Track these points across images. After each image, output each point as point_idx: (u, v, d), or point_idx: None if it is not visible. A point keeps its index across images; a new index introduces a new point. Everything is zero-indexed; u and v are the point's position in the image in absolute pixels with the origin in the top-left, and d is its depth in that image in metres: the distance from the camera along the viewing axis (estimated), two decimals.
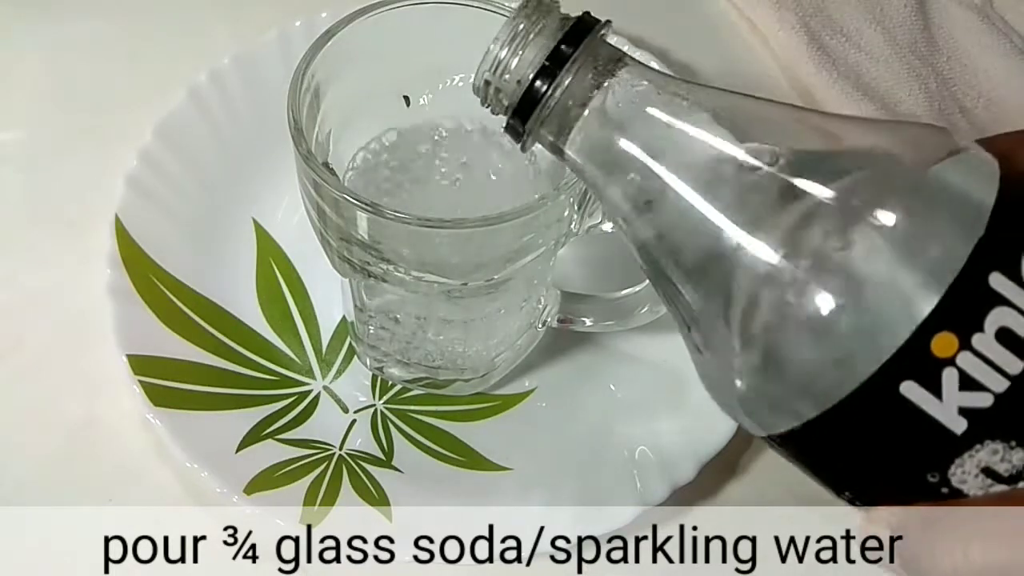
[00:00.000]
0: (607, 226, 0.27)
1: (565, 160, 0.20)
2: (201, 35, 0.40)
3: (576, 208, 0.26)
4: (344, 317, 0.33)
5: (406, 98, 0.29)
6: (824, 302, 0.17)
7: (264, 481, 0.28)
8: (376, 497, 0.29)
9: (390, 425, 0.31)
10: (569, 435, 0.31)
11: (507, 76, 0.20)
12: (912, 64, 0.42)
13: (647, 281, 0.29)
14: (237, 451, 0.29)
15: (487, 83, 0.20)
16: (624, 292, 0.30)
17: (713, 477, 0.31)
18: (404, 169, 0.28)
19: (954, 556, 0.17)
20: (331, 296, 0.32)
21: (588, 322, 0.31)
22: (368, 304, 0.29)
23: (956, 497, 0.17)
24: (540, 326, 0.32)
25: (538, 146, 0.21)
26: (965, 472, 0.17)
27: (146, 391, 0.28)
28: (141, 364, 0.29)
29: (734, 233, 0.18)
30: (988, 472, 0.17)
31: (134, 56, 0.40)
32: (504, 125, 0.20)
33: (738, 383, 0.19)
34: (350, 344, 0.32)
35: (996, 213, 0.17)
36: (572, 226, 0.26)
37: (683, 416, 0.31)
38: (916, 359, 0.16)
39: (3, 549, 0.29)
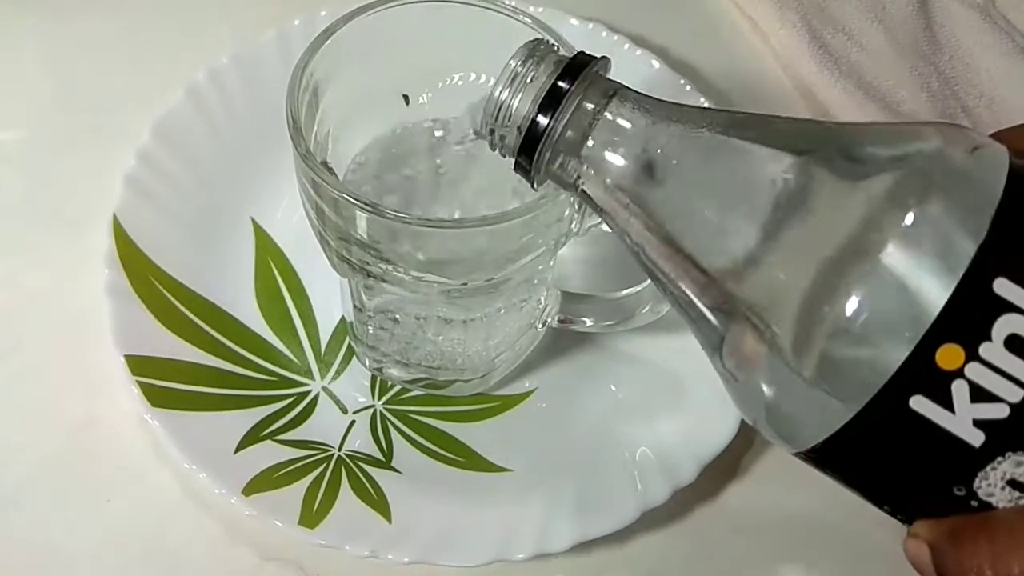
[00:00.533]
0: (607, 226, 0.27)
1: (577, 193, 0.21)
2: (200, 34, 0.40)
3: (576, 208, 0.26)
4: (343, 317, 0.33)
5: (405, 97, 0.29)
6: (835, 314, 0.16)
7: (263, 482, 0.28)
8: (375, 498, 0.28)
9: (389, 426, 0.31)
10: (569, 436, 0.31)
11: (509, 120, 0.20)
12: (914, 63, 0.41)
13: (647, 281, 0.29)
14: (236, 452, 0.28)
15: (492, 129, 0.21)
16: (624, 292, 0.30)
17: (714, 478, 0.31)
18: (402, 166, 0.28)
19: (983, 572, 0.16)
20: (330, 296, 0.32)
21: (588, 322, 0.31)
22: (367, 304, 0.29)
23: (986, 510, 0.17)
24: (540, 326, 0.32)
25: None
26: (991, 485, 0.16)
27: (144, 391, 0.28)
28: (139, 364, 0.29)
29: (749, 248, 0.18)
30: (1015, 484, 0.16)
31: (134, 56, 0.40)
32: (513, 165, 0.21)
33: (766, 400, 0.19)
34: (349, 344, 0.32)
35: (999, 215, 0.16)
36: (572, 226, 0.26)
37: (684, 417, 0.31)
38: (922, 373, 0.16)
39: (3, 549, 0.29)
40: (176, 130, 0.34)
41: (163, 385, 0.29)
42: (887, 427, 0.16)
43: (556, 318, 0.31)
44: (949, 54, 0.43)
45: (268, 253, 0.34)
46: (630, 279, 0.30)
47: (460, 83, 0.28)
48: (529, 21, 0.25)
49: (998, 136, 0.18)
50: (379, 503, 0.28)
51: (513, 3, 0.26)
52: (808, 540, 0.31)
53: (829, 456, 0.18)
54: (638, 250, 0.20)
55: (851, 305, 0.16)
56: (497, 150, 0.21)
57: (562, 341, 0.33)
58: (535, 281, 0.29)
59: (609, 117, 0.19)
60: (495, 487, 0.30)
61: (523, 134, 0.20)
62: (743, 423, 0.30)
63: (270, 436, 0.29)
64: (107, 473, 0.30)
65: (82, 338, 0.31)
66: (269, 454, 0.29)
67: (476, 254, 0.25)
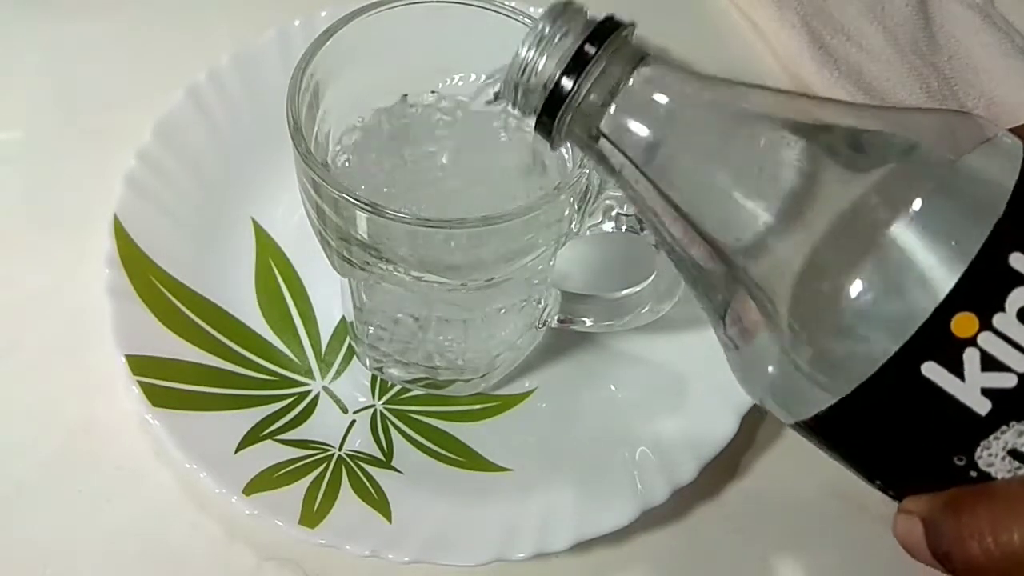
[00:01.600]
0: (607, 226, 0.27)
1: (595, 155, 0.21)
2: (200, 34, 0.40)
3: (576, 208, 0.26)
4: (343, 317, 0.33)
5: (405, 97, 0.28)
6: (847, 284, 0.17)
7: (263, 482, 0.28)
8: (375, 498, 0.29)
9: (389, 426, 0.31)
10: (569, 435, 0.31)
11: (534, 78, 0.20)
12: (913, 63, 0.42)
13: (648, 281, 0.29)
14: (236, 452, 0.28)
15: (516, 86, 0.21)
16: (624, 292, 0.30)
17: (714, 478, 0.31)
18: (399, 155, 0.28)
19: (983, 540, 0.16)
20: (330, 296, 0.32)
21: (588, 322, 0.31)
22: (367, 304, 0.29)
23: (984, 481, 0.17)
24: (540, 326, 0.32)
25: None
26: (992, 455, 0.17)
27: (145, 391, 0.28)
28: (140, 364, 0.29)
29: (760, 220, 0.18)
30: (1015, 454, 0.17)
31: (134, 56, 0.40)
32: (534, 125, 0.21)
33: (769, 369, 0.19)
34: (349, 344, 0.32)
35: (1016, 195, 0.17)
36: (572, 226, 0.26)
37: (684, 416, 0.31)
38: (936, 340, 0.16)
39: (3, 549, 0.29)
40: (176, 130, 0.34)
41: (164, 385, 0.29)
42: (896, 393, 0.17)
43: (556, 318, 0.31)
44: (948, 54, 0.43)
45: (268, 253, 0.34)
46: (630, 279, 0.30)
47: (460, 83, 0.28)
48: (529, 22, 0.25)
49: (1013, 131, 0.19)
50: (379, 503, 0.28)
51: (513, 3, 0.26)
52: (808, 539, 0.31)
53: (832, 425, 0.18)
54: (649, 215, 0.21)
55: (871, 274, 0.17)
56: (518, 108, 0.21)
57: (562, 341, 0.33)
58: (535, 281, 0.29)
59: (633, 84, 0.20)
60: (495, 487, 0.30)
61: (546, 95, 0.20)
62: (743, 422, 0.30)
63: (270, 436, 0.29)
64: (107, 473, 0.30)
65: (82, 338, 0.31)
66: (269, 454, 0.29)
67: (476, 254, 0.25)
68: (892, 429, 0.18)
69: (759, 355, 0.19)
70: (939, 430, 0.17)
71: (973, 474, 0.17)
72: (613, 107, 0.20)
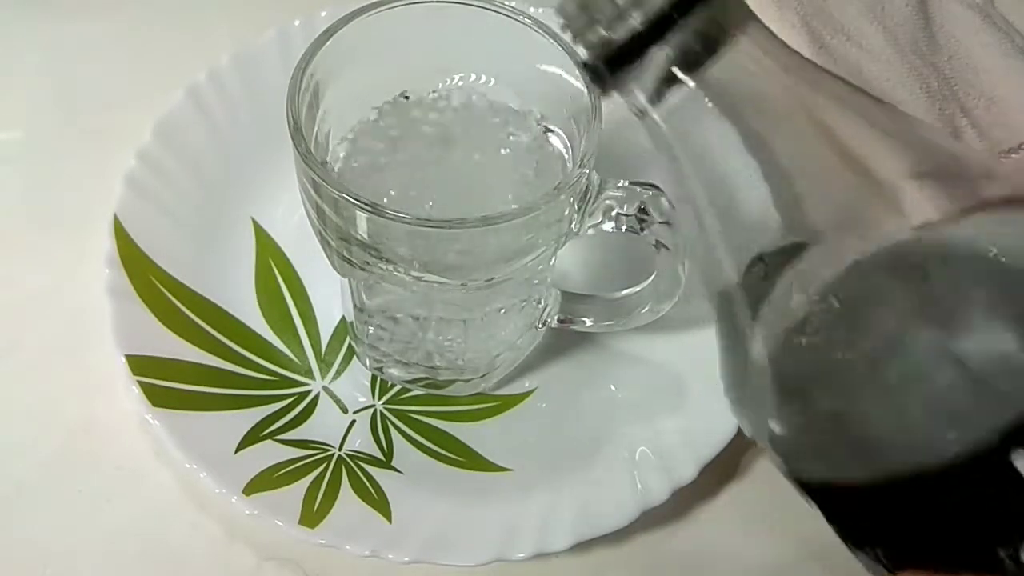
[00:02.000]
0: (607, 226, 0.27)
1: (644, 120, 0.19)
2: (200, 34, 0.40)
3: (576, 208, 0.26)
4: (343, 317, 0.33)
5: (406, 97, 0.28)
6: (953, 366, 0.16)
7: (263, 482, 0.28)
8: (375, 498, 0.29)
9: (390, 426, 0.31)
10: (569, 435, 0.31)
11: (612, 17, 0.17)
12: (913, 63, 0.42)
13: (647, 281, 0.29)
14: (236, 452, 0.28)
15: (583, 3, 0.18)
16: (624, 292, 0.30)
17: (714, 478, 0.31)
18: (399, 155, 0.28)
19: None
20: (330, 296, 0.32)
21: (588, 322, 0.31)
22: (367, 304, 0.29)
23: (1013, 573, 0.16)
24: (540, 326, 0.32)
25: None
26: None
27: (145, 391, 0.28)
28: (140, 364, 0.29)
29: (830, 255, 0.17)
30: None
31: (134, 56, 0.40)
32: (585, 63, 0.19)
33: (787, 421, 0.17)
34: (349, 344, 0.32)
35: None
36: (572, 226, 0.26)
37: (684, 417, 0.31)
38: None
39: (3, 549, 0.29)
40: (176, 130, 0.34)
41: (164, 385, 0.29)
42: (969, 475, 0.16)
43: (556, 318, 0.31)
44: (948, 54, 0.43)
45: (268, 253, 0.34)
46: (630, 279, 0.30)
47: (460, 83, 0.28)
48: (529, 22, 0.25)
49: None
50: (379, 503, 0.28)
51: (513, 3, 0.26)
52: (809, 540, 0.31)
53: (861, 493, 0.17)
54: (696, 203, 0.19)
55: (979, 346, 0.16)
56: (572, 34, 0.18)
57: (562, 341, 0.33)
58: (535, 281, 0.29)
59: (721, 53, 0.17)
60: (495, 487, 0.30)
61: (616, 46, 0.17)
62: None
63: (270, 436, 0.29)
64: (107, 473, 0.30)
65: (82, 338, 0.31)
66: (269, 454, 0.29)
67: (476, 254, 0.25)
68: (941, 507, 0.16)
69: (775, 400, 0.17)
70: (998, 518, 0.16)
71: (1009, 564, 0.16)
72: (694, 80, 0.17)
